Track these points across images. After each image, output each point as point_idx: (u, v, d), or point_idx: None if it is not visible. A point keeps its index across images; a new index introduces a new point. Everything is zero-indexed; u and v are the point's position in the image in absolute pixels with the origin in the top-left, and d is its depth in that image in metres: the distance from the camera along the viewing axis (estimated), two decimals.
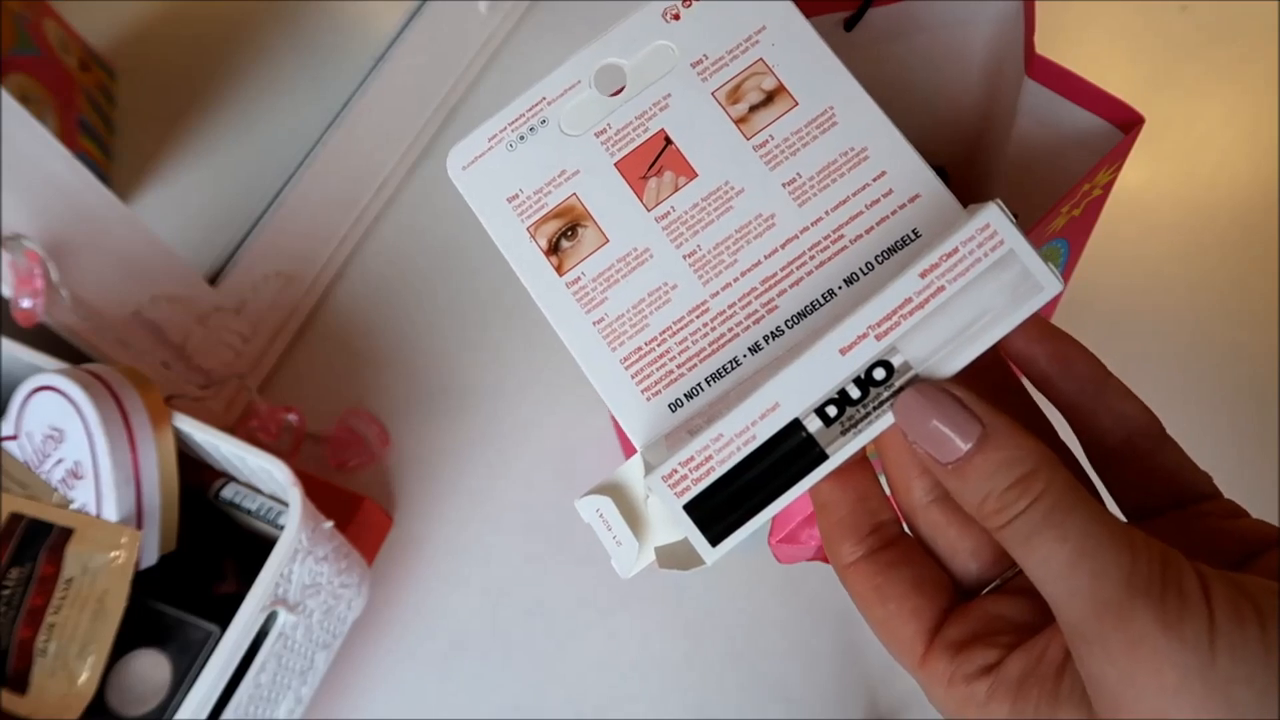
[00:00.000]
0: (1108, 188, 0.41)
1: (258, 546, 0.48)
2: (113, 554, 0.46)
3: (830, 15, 0.42)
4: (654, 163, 0.23)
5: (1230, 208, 0.63)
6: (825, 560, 0.40)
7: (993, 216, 0.20)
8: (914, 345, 0.20)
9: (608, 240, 0.23)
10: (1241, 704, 0.16)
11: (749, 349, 0.22)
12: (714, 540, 0.20)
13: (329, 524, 0.48)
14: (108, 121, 0.68)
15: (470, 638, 0.56)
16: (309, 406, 0.62)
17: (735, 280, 0.22)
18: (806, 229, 0.22)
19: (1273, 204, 0.63)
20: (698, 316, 0.22)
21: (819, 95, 0.23)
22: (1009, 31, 0.43)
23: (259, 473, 0.49)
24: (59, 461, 0.47)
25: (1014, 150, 0.44)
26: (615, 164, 0.23)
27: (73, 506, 0.47)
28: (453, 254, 0.68)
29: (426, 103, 0.72)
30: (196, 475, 0.52)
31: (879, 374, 0.20)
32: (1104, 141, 0.40)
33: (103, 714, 0.47)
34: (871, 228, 0.22)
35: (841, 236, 0.22)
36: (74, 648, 0.45)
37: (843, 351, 0.20)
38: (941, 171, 0.38)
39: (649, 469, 0.20)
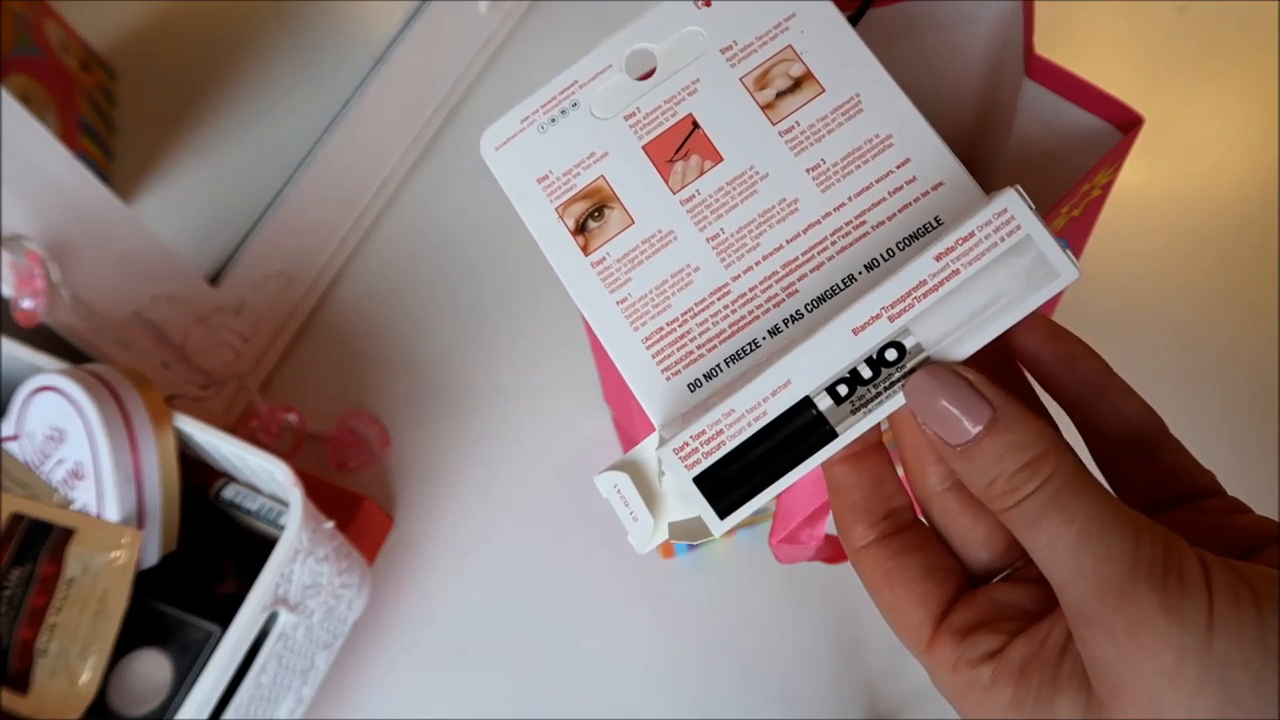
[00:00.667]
0: (1107, 188, 0.41)
1: (258, 547, 0.48)
2: (114, 554, 0.46)
3: None
4: (681, 146, 0.23)
5: (1229, 207, 0.63)
6: (825, 560, 0.40)
7: (1010, 202, 0.20)
8: (927, 327, 0.20)
9: (633, 222, 0.23)
10: (1235, 687, 0.16)
11: (769, 331, 0.22)
12: (722, 513, 0.20)
13: (330, 524, 0.48)
14: (108, 122, 0.68)
15: (471, 638, 0.56)
16: (309, 407, 0.62)
17: (757, 264, 0.22)
18: (829, 214, 0.22)
19: (1272, 203, 0.63)
20: (719, 299, 0.22)
21: (846, 82, 0.23)
22: (1009, 31, 0.43)
23: (259, 473, 0.49)
24: (60, 462, 0.47)
25: (1013, 150, 0.44)
26: (643, 147, 0.23)
27: (74, 507, 0.47)
28: (453, 254, 0.68)
29: (426, 103, 0.72)
30: (197, 475, 0.52)
31: (891, 355, 0.20)
32: (1103, 142, 0.40)
33: (104, 714, 0.47)
34: (894, 214, 0.22)
35: (864, 222, 0.22)
36: (75, 648, 0.45)
37: (855, 331, 0.20)
38: None
39: (662, 443, 0.20)
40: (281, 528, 0.49)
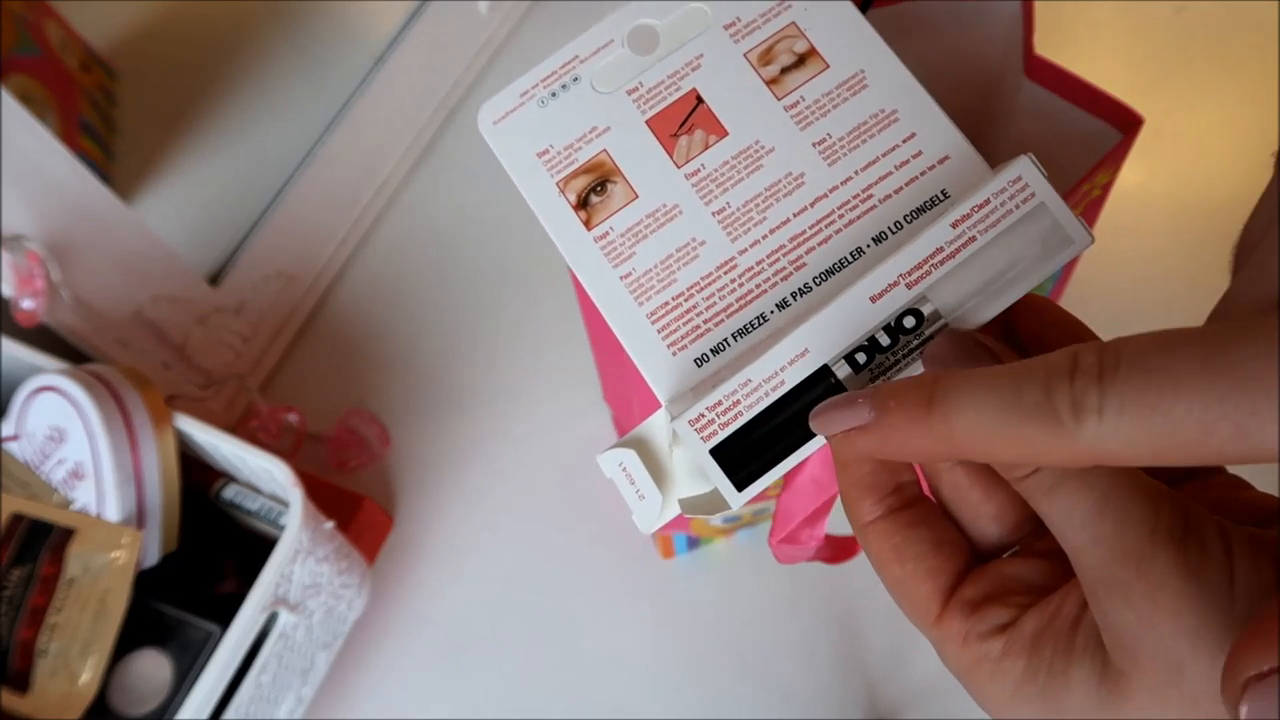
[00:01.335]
0: (1107, 188, 0.41)
1: (258, 547, 0.48)
2: (114, 554, 0.46)
3: None
4: (685, 121, 0.23)
5: (1229, 207, 0.63)
6: (825, 560, 0.40)
7: (1024, 169, 0.20)
8: (944, 294, 0.20)
9: (637, 196, 0.23)
10: None
11: (776, 305, 0.22)
12: (740, 485, 0.20)
13: (330, 524, 0.48)
14: (108, 122, 0.68)
15: (471, 637, 0.56)
16: (309, 407, 0.62)
17: (764, 237, 0.22)
18: (836, 188, 0.22)
19: None
20: (725, 272, 0.22)
21: (850, 58, 0.23)
22: (1008, 32, 0.43)
23: (260, 473, 0.49)
24: (60, 462, 0.47)
25: (1013, 151, 0.44)
26: (646, 121, 0.23)
27: (74, 507, 0.47)
28: (454, 254, 0.68)
29: (426, 103, 0.72)
30: (197, 475, 0.52)
31: (909, 322, 0.20)
32: (1103, 142, 0.40)
33: (104, 714, 0.47)
34: (900, 188, 0.22)
35: (870, 196, 0.22)
36: (75, 648, 0.45)
37: (873, 299, 0.20)
38: None
39: (675, 416, 0.20)
40: (281, 528, 0.49)
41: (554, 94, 0.24)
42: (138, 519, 0.46)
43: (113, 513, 0.46)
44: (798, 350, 0.20)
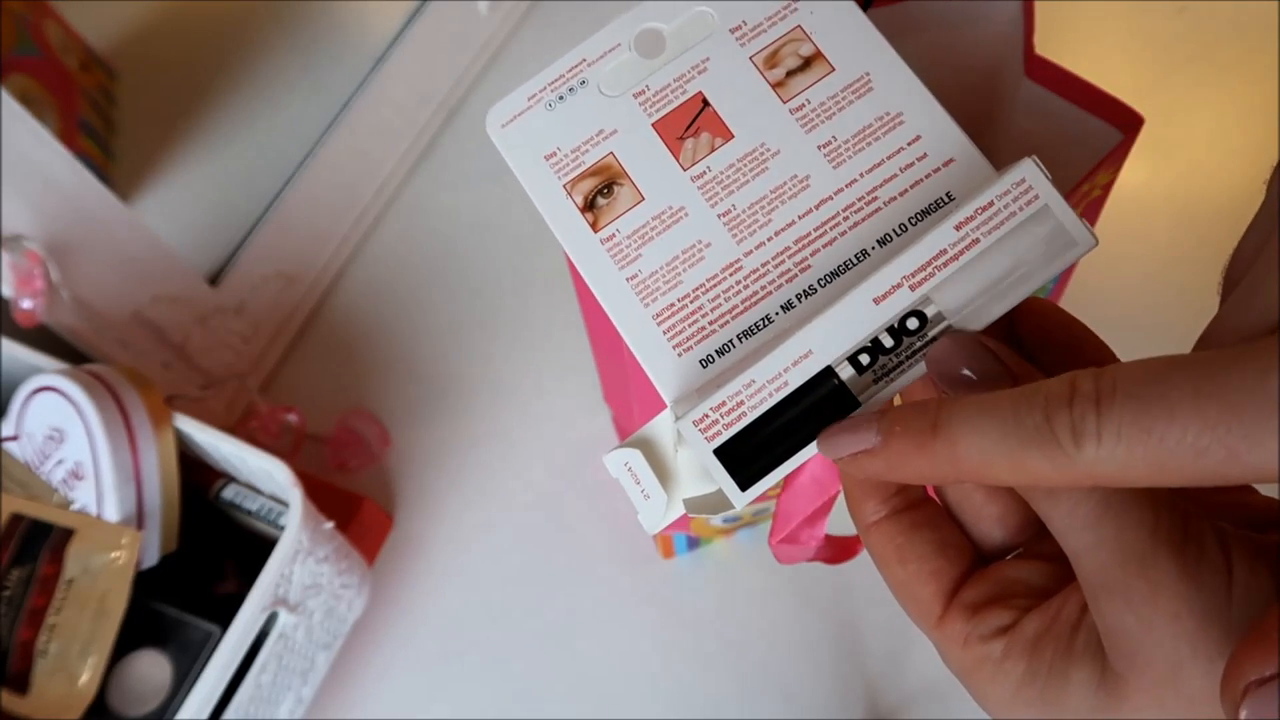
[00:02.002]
0: (1107, 188, 0.41)
1: (258, 547, 0.48)
2: (113, 554, 0.46)
3: None
4: (691, 124, 0.23)
5: (1230, 208, 0.63)
6: (825, 561, 0.40)
7: (1028, 171, 0.20)
8: (948, 296, 0.20)
9: (643, 198, 0.23)
10: None
11: (781, 307, 0.22)
12: (744, 485, 0.20)
13: (329, 524, 0.48)
14: (108, 122, 0.68)
15: (471, 638, 0.56)
16: (309, 407, 0.62)
17: (769, 239, 0.22)
18: (841, 190, 0.22)
19: None
20: (731, 274, 0.22)
21: (855, 61, 0.23)
22: (1009, 32, 0.43)
23: (259, 473, 0.49)
24: (60, 462, 0.47)
25: (1013, 151, 0.44)
26: (653, 124, 0.23)
27: (73, 507, 0.47)
28: (454, 254, 0.68)
29: (426, 103, 0.72)
30: (197, 475, 0.52)
31: (912, 324, 0.20)
32: (1103, 142, 0.40)
33: (104, 714, 0.47)
34: (905, 190, 0.22)
35: (876, 198, 0.22)
36: (75, 648, 0.45)
37: (877, 301, 0.20)
38: None
39: (680, 417, 0.20)
40: (281, 528, 0.49)
41: (561, 97, 0.24)
42: (137, 519, 0.46)
43: (112, 513, 0.46)
44: (801, 351, 0.20)
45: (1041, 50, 0.41)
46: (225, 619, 0.45)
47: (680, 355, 0.22)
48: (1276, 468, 0.14)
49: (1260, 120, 0.67)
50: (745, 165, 0.23)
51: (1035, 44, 0.41)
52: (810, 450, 0.20)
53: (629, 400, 0.45)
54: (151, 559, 0.47)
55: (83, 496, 0.46)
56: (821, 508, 0.37)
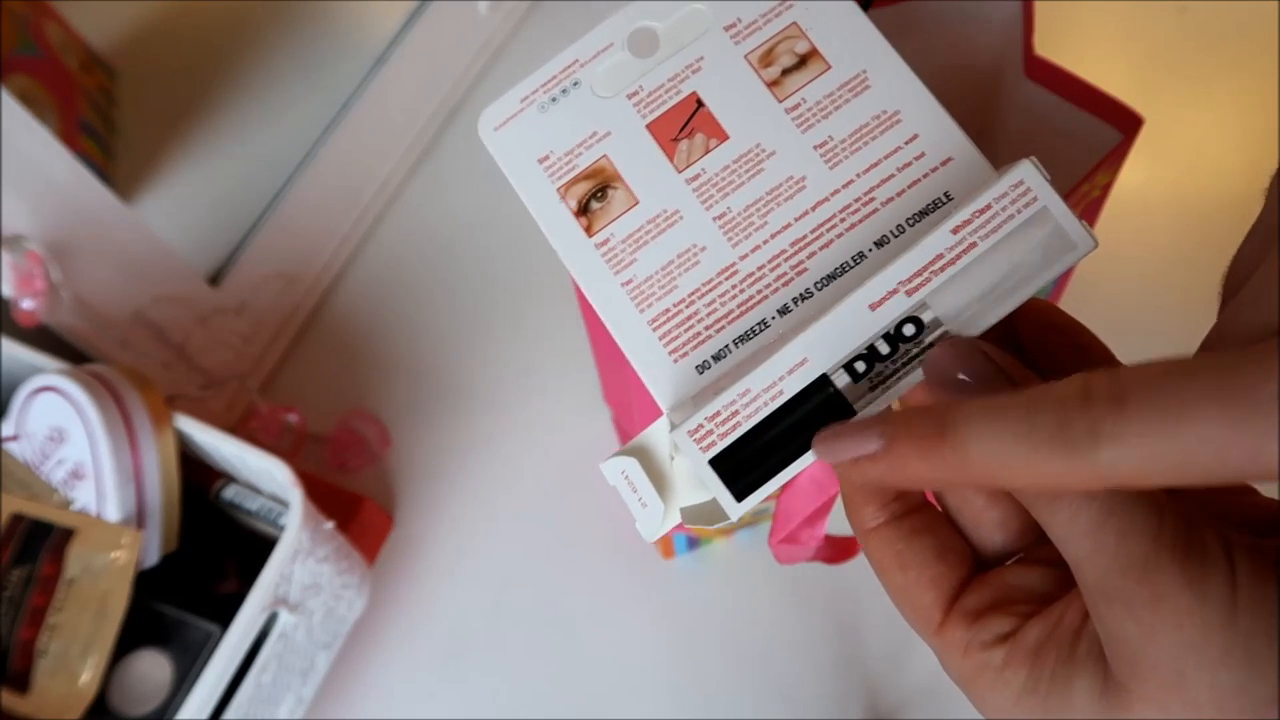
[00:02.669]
0: (1107, 189, 0.41)
1: (259, 547, 0.48)
2: (114, 554, 0.46)
3: None
4: (685, 125, 0.23)
5: (1230, 208, 0.63)
6: (825, 560, 0.40)
7: (1026, 173, 0.20)
8: (945, 302, 0.20)
9: (638, 202, 0.23)
10: (1261, 658, 0.16)
11: (778, 311, 0.22)
12: (739, 495, 0.20)
13: (330, 524, 0.48)
14: (109, 122, 0.68)
15: (471, 638, 0.56)
16: (310, 407, 0.62)
17: (765, 242, 0.22)
18: (837, 191, 0.22)
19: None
20: (727, 278, 0.22)
21: (852, 59, 0.23)
22: (1009, 32, 0.43)
23: (260, 473, 0.49)
24: (60, 462, 0.47)
25: (1013, 151, 0.44)
26: (647, 126, 0.23)
27: (74, 507, 0.47)
28: (454, 255, 0.68)
29: (426, 103, 0.72)
30: (197, 475, 0.52)
31: (909, 330, 0.20)
32: (1103, 142, 0.40)
33: (104, 714, 0.47)
34: (903, 190, 0.22)
35: (873, 199, 0.22)
36: (75, 648, 0.45)
37: (873, 307, 0.20)
38: None
39: (675, 426, 0.20)
40: (281, 528, 0.49)
41: (554, 99, 0.23)
42: (138, 519, 0.46)
43: (113, 513, 0.46)
44: (797, 359, 0.20)
45: (1041, 50, 0.41)
46: (225, 619, 0.45)
47: (676, 361, 0.22)
48: None
49: (1260, 120, 0.67)
50: (740, 166, 0.23)
51: (1035, 44, 0.41)
52: (806, 460, 0.20)
53: (629, 400, 0.45)
54: (152, 559, 0.47)
55: (83, 496, 0.46)
56: (821, 508, 0.37)
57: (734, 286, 0.22)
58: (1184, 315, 0.62)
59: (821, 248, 0.22)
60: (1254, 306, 0.17)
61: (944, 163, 0.22)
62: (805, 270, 0.22)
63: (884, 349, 0.20)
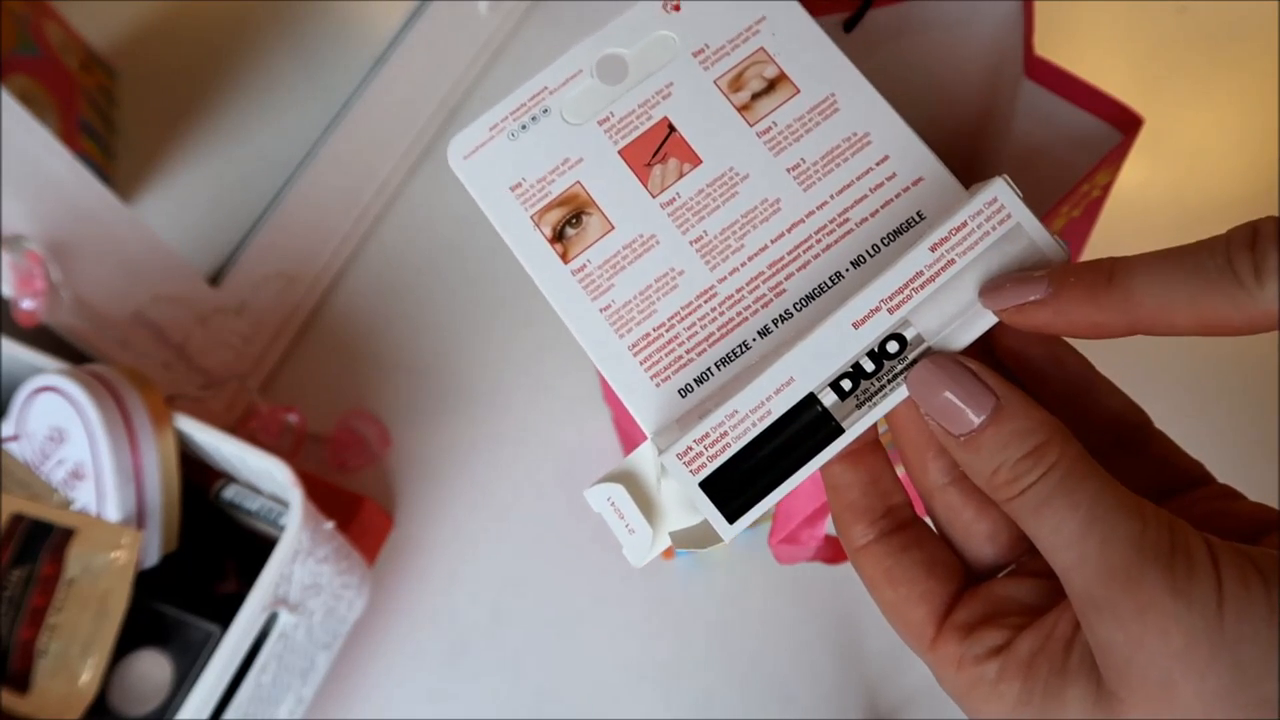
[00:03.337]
0: (1107, 189, 0.41)
1: (259, 547, 0.48)
2: (114, 554, 0.46)
3: (829, 16, 0.42)
4: (658, 150, 0.23)
5: (1230, 208, 0.63)
6: (825, 560, 0.40)
7: (1000, 191, 0.20)
8: (926, 318, 0.20)
9: (613, 227, 0.23)
10: (1248, 664, 0.16)
11: (758, 332, 0.22)
12: (731, 517, 0.20)
13: (330, 524, 0.48)
14: (109, 122, 0.68)
15: (471, 638, 0.56)
16: (310, 407, 0.62)
17: (743, 265, 0.22)
18: (812, 213, 0.22)
19: (1273, 204, 0.63)
20: (706, 301, 0.22)
21: (820, 83, 0.23)
22: (1008, 32, 0.43)
23: (260, 473, 0.49)
24: (60, 462, 0.47)
25: (1013, 151, 0.44)
26: (619, 151, 0.23)
27: (74, 507, 0.47)
28: (454, 255, 0.68)
29: (426, 103, 0.72)
30: (197, 475, 0.52)
31: (892, 347, 0.20)
32: (1103, 142, 0.40)
33: (104, 714, 0.47)
34: (876, 211, 0.22)
35: (847, 220, 0.22)
36: (76, 648, 0.45)
37: (856, 325, 0.20)
38: None
39: (663, 450, 0.20)
40: (281, 528, 0.49)
41: (524, 126, 0.23)
42: (138, 519, 0.46)
43: (113, 513, 0.46)
44: (783, 379, 0.20)
45: (1041, 50, 0.41)
46: (225, 619, 0.45)
47: (658, 385, 0.22)
48: None
49: (1260, 120, 0.67)
50: (715, 190, 0.23)
51: (1035, 44, 0.41)
52: (797, 479, 0.20)
53: None
54: (152, 559, 0.47)
55: (83, 496, 0.46)
56: (821, 508, 0.37)
57: (713, 309, 0.22)
58: None
59: (799, 269, 0.22)
60: None
61: (915, 182, 0.22)
62: (784, 291, 0.22)
63: (869, 366, 0.20)
